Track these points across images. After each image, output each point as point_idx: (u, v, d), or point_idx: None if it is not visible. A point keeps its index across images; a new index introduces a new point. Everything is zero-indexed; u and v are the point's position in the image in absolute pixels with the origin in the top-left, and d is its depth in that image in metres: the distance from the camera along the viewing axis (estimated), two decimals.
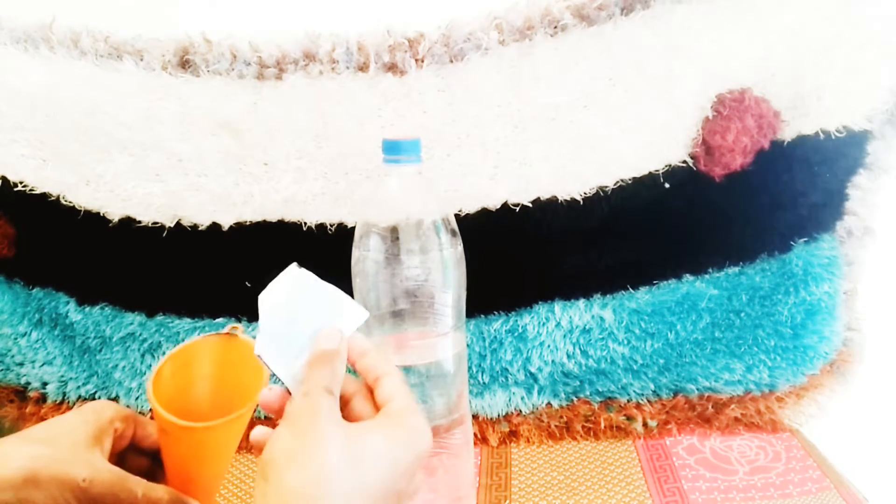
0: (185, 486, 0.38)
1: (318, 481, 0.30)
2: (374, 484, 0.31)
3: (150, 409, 0.37)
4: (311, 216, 0.68)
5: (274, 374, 0.36)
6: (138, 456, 0.40)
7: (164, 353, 0.72)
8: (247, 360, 0.38)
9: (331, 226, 0.68)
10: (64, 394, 0.73)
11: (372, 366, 0.38)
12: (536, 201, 0.68)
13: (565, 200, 0.68)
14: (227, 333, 0.41)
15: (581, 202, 0.68)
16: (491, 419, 0.72)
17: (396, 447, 0.33)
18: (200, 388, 0.40)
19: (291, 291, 0.37)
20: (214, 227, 0.69)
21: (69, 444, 0.35)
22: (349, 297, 0.38)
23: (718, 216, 0.70)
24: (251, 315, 0.71)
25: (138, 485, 0.35)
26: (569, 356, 0.71)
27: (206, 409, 0.39)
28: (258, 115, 0.66)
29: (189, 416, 0.36)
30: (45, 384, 0.73)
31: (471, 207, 0.68)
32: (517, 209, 0.67)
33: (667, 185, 0.69)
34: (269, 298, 0.37)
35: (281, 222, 0.69)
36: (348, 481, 0.31)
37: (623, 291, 0.72)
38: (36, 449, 0.34)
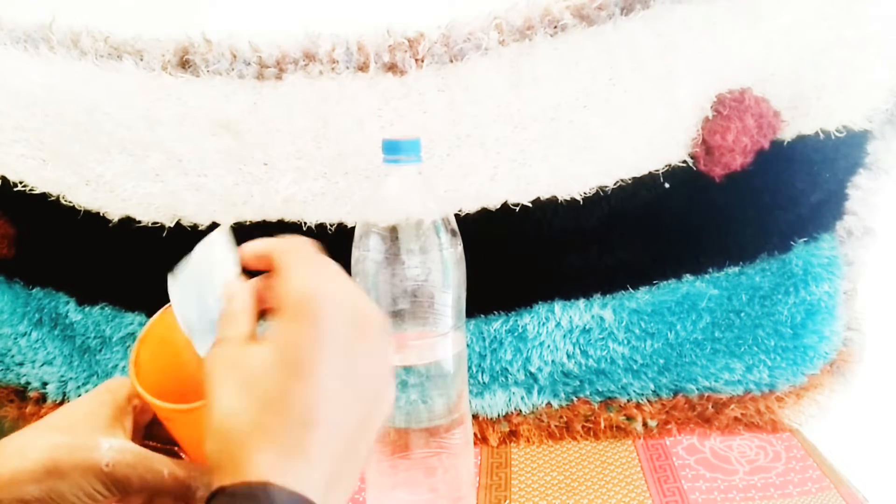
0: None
1: (221, 434, 0.29)
2: (268, 393, 0.29)
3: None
4: (310, 216, 0.68)
5: None
6: (164, 428, 0.39)
7: None
8: None
9: (331, 226, 0.68)
10: (64, 394, 0.73)
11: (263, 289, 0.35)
12: (536, 201, 0.68)
13: (565, 200, 0.68)
14: None
15: (581, 202, 0.67)
16: (491, 419, 0.72)
17: (279, 339, 0.30)
18: (186, 358, 0.37)
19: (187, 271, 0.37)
20: (214, 227, 0.69)
21: (88, 428, 0.34)
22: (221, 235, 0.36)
23: (718, 216, 0.70)
24: None
25: (163, 463, 0.34)
26: (569, 356, 0.71)
27: (200, 379, 0.36)
28: (258, 115, 0.66)
29: (185, 393, 0.34)
30: (45, 384, 0.73)
31: (471, 207, 0.68)
32: (517, 209, 0.67)
33: (667, 185, 0.69)
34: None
35: (281, 222, 0.69)
36: (244, 413, 0.29)
37: (623, 291, 0.72)
38: (55, 438, 0.34)
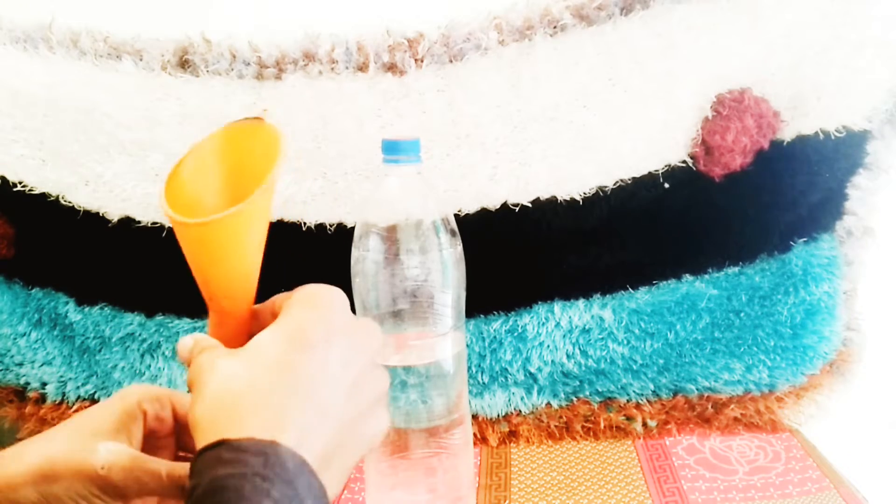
0: (209, 290, 0.35)
1: (218, 394, 0.29)
2: (270, 360, 0.29)
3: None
4: (310, 216, 0.68)
5: None
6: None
7: (163, 354, 0.73)
8: (270, 147, 0.35)
9: (330, 226, 0.68)
10: (63, 394, 0.73)
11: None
12: (536, 201, 0.68)
13: (565, 200, 0.68)
14: (256, 118, 0.37)
15: (580, 202, 0.67)
16: (490, 419, 0.72)
17: (285, 320, 0.31)
18: (223, 183, 0.36)
19: None
20: None
21: (89, 434, 0.34)
22: None
23: (718, 216, 0.70)
24: None
25: (160, 464, 0.34)
26: (568, 356, 0.71)
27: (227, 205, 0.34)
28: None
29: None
30: (44, 384, 0.73)
31: (470, 207, 0.68)
32: (517, 209, 0.67)
33: (666, 186, 0.68)
34: None
35: (280, 222, 0.69)
36: (245, 376, 0.29)
37: (623, 291, 0.72)
38: (54, 445, 0.33)
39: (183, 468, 0.34)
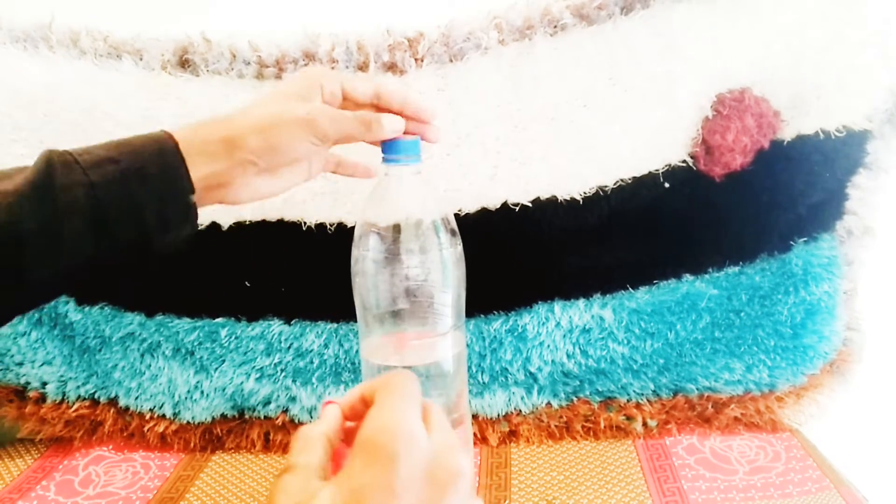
0: None
1: None
2: None
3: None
4: (310, 215, 0.68)
5: None
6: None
7: (163, 354, 0.73)
8: None
9: (330, 225, 0.68)
10: (63, 393, 0.73)
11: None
12: (536, 201, 0.68)
13: (565, 200, 0.68)
14: None
15: (581, 202, 0.67)
16: (491, 419, 0.72)
17: (348, 483, 0.28)
18: None
19: None
20: (213, 226, 0.69)
21: (288, 98, 0.45)
22: None
23: (718, 216, 0.70)
24: (250, 315, 0.71)
25: (347, 112, 0.46)
26: (568, 356, 0.71)
27: None
28: None
29: None
30: (44, 384, 0.73)
31: (471, 207, 0.68)
32: (517, 209, 0.67)
33: (667, 185, 0.68)
34: None
35: (280, 222, 0.69)
36: None
37: (623, 291, 0.72)
38: (268, 107, 0.45)
39: (364, 112, 0.47)
